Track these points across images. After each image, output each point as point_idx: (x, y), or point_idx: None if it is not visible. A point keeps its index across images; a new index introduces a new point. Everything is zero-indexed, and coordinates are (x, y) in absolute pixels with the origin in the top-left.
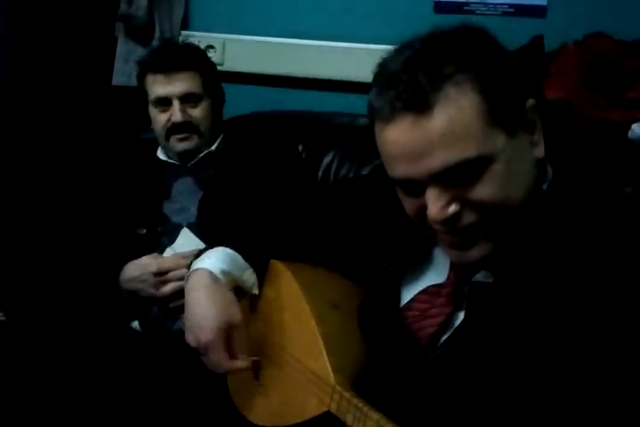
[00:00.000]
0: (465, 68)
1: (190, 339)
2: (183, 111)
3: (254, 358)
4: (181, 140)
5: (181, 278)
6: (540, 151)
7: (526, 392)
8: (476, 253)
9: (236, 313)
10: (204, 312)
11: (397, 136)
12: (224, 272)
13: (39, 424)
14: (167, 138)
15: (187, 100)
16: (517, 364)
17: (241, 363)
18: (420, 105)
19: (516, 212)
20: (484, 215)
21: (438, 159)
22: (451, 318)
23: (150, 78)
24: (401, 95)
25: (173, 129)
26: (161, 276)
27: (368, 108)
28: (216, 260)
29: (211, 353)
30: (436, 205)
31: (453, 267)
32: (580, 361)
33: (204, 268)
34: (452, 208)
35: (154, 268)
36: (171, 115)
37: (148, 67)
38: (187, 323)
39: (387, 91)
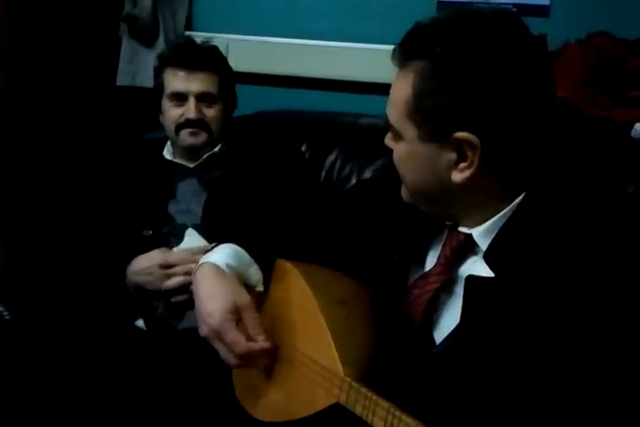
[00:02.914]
0: (429, 58)
1: (203, 329)
2: (198, 109)
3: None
4: (191, 134)
5: (188, 273)
6: (457, 176)
7: (527, 386)
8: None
9: (242, 294)
10: (212, 298)
11: None
12: (230, 266)
13: (42, 423)
14: (177, 131)
15: (203, 99)
16: (516, 358)
17: (260, 344)
18: (398, 61)
19: (410, 191)
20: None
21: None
22: (438, 296)
23: (170, 72)
24: (396, 47)
25: (185, 124)
26: (167, 269)
27: None
28: (222, 255)
29: (223, 336)
30: (387, 135)
31: (444, 251)
32: (580, 356)
33: (209, 262)
34: (388, 144)
35: (161, 260)
36: (184, 111)
37: (169, 60)
38: (197, 315)
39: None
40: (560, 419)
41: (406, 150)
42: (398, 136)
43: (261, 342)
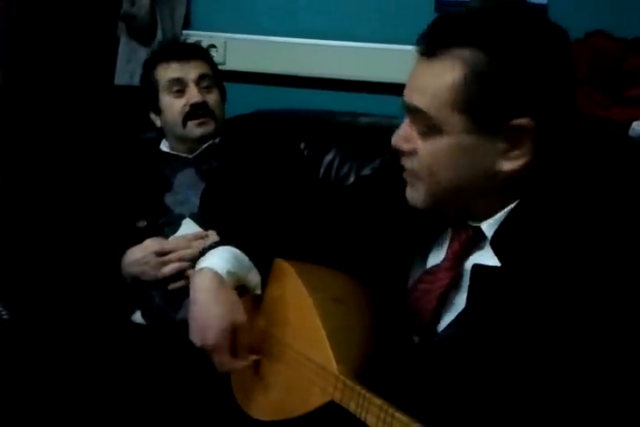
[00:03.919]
0: (482, 46)
1: (195, 339)
2: (200, 92)
3: (255, 357)
4: (200, 124)
5: (183, 259)
6: (508, 165)
7: (527, 377)
8: (412, 193)
9: (241, 315)
10: (210, 314)
11: (413, 68)
12: (229, 273)
13: (42, 421)
14: (184, 124)
15: (201, 83)
16: (519, 347)
17: (243, 363)
18: (428, 52)
19: (445, 192)
20: (421, 170)
21: (408, 97)
22: (448, 292)
23: (163, 66)
24: (426, 37)
25: (191, 113)
26: (162, 256)
27: None
28: (222, 260)
29: (215, 354)
30: (398, 132)
31: (452, 246)
32: (581, 346)
33: (209, 268)
34: (406, 146)
35: (156, 248)
36: (187, 98)
37: (159, 57)
38: (191, 323)
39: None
40: (562, 407)
41: (447, 144)
42: (434, 131)
43: (244, 362)
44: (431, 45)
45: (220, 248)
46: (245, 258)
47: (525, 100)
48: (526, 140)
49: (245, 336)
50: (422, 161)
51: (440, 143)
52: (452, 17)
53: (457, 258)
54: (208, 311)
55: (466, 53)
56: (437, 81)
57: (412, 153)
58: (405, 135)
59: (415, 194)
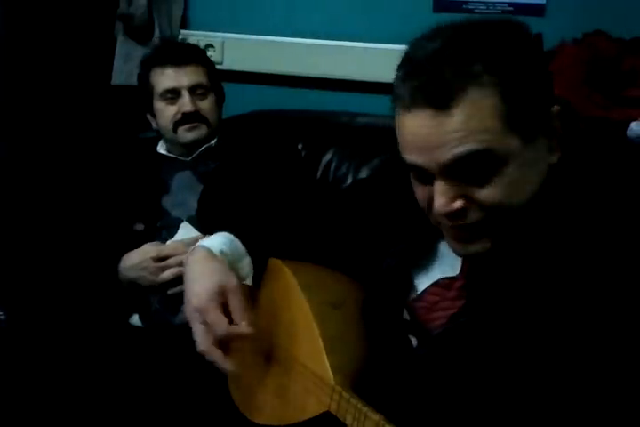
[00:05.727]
0: (492, 69)
1: (187, 309)
2: (193, 102)
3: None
4: (190, 129)
5: (181, 264)
6: (554, 158)
7: (527, 371)
8: (476, 247)
9: (230, 277)
10: (198, 280)
11: (413, 126)
12: (222, 252)
13: (39, 423)
14: (175, 129)
15: (195, 91)
16: (518, 341)
17: (241, 328)
18: (442, 102)
19: (519, 212)
20: (489, 215)
21: (449, 153)
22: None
23: (158, 71)
24: (424, 88)
25: (182, 120)
26: (160, 261)
27: (393, 88)
28: (215, 241)
29: (206, 316)
30: (442, 198)
31: (466, 259)
32: (581, 340)
33: (203, 246)
34: (457, 204)
35: (154, 253)
36: (179, 106)
37: (155, 61)
38: (185, 297)
39: (410, 79)
40: (565, 400)
41: (516, 169)
42: (499, 165)
43: (243, 327)
44: (446, 95)
45: (217, 233)
46: (240, 244)
47: (544, 88)
48: (557, 125)
49: (241, 302)
50: (500, 201)
51: (510, 172)
52: (445, 62)
53: (470, 272)
54: (198, 278)
55: (484, 80)
56: (480, 116)
57: (469, 206)
58: (449, 196)
59: (481, 245)
